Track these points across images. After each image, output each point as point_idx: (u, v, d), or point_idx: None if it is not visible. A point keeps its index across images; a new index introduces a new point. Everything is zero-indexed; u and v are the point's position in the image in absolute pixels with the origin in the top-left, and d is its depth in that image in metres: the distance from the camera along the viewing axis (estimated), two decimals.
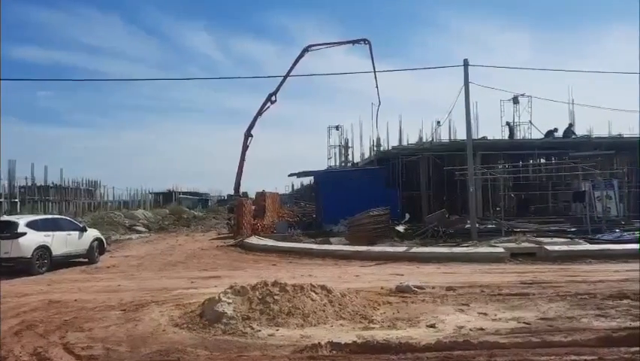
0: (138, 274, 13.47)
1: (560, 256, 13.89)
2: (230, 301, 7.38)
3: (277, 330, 6.78)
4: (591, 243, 15.65)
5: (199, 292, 10.01)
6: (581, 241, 15.86)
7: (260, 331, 6.74)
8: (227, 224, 27.20)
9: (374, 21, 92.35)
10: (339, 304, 7.74)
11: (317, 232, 21.80)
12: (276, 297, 7.48)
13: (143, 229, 28.91)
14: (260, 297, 7.50)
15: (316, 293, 7.81)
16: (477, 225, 17.96)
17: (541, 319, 7.42)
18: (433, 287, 10.04)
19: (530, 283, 10.42)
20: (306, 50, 26.86)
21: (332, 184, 24.39)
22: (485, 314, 7.82)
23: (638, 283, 10.04)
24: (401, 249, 15.54)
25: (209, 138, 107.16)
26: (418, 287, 9.85)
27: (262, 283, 7.86)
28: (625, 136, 24.43)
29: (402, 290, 9.61)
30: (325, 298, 7.79)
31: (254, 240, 20.02)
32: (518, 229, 17.56)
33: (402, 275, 11.90)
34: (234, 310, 7.16)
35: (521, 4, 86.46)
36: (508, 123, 25.45)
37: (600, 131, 25.90)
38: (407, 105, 76.06)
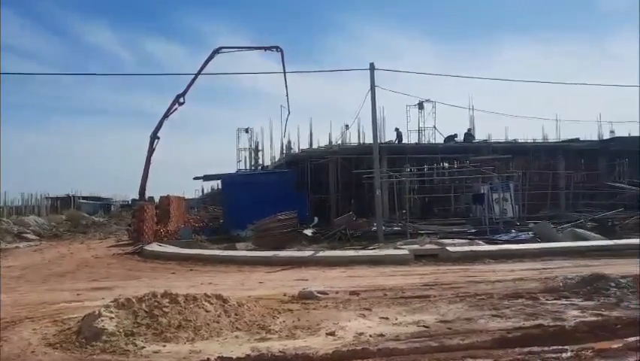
0: (17, 286, 12.15)
1: (461, 257, 14.23)
2: (113, 315, 6.66)
3: (164, 346, 6.18)
4: (490, 243, 16.25)
5: (84, 305, 9.09)
6: (480, 241, 16.42)
7: (144, 348, 6.11)
8: (127, 230, 25.73)
9: (289, 28, 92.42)
10: (236, 315, 7.25)
11: (223, 237, 21.09)
12: (165, 309, 6.86)
13: (34, 237, 26.65)
14: (147, 310, 6.84)
15: (211, 303, 7.27)
16: (383, 227, 18.13)
17: (441, 321, 7.37)
18: (337, 292, 9.81)
19: (432, 285, 10.47)
20: (216, 51, 26.11)
21: (240, 188, 23.78)
22: (387, 319, 7.66)
23: (532, 282, 10.43)
24: (308, 253, 15.28)
25: (113, 140, 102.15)
26: (321, 292, 9.57)
27: (150, 295, 7.18)
28: (520, 141, 25.92)
29: (305, 296, 9.28)
30: (220, 308, 7.26)
31: (154, 247, 18.94)
32: (422, 231, 17.92)
33: (307, 280, 11.62)
34: (116, 326, 6.46)
35: (427, 15, 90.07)
36: (397, 129, 25.90)
37: (498, 136, 27.27)
38: (319, 109, 76.85)
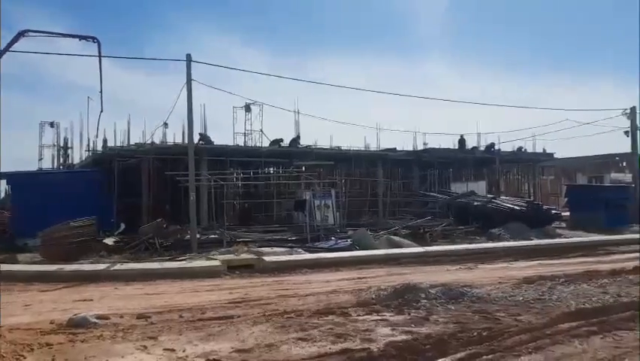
0: None
1: (278, 268, 13.31)
2: None
3: None
4: (309, 252, 15.66)
5: None
6: (300, 250, 15.75)
7: None
8: None
9: (115, 25, 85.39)
10: None
11: (6, 246, 17.65)
12: None
13: None
14: None
15: None
16: (199, 235, 16.59)
17: (238, 351, 6.17)
18: (122, 316, 8.08)
19: (239, 302, 9.25)
20: (21, 34, 21.97)
21: (32, 189, 20.29)
22: (172, 351, 6.23)
23: (345, 294, 9.77)
24: (103, 266, 13.12)
25: None
26: (101, 317, 7.77)
27: None
28: (343, 149, 26.23)
29: (76, 324, 7.39)
30: None
31: None
32: (241, 239, 16.74)
33: (91, 301, 9.64)
34: None
35: (265, 28, 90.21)
36: (200, 134, 24.28)
37: (324, 143, 27.36)
38: (140, 107, 71.62)
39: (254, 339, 6.68)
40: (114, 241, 16.58)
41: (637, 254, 15.79)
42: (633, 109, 26.04)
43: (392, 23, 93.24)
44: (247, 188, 26.21)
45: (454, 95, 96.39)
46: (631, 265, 12.68)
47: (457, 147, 30.34)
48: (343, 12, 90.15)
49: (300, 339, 6.62)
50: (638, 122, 26.00)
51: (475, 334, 6.63)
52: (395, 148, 28.21)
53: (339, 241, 17.30)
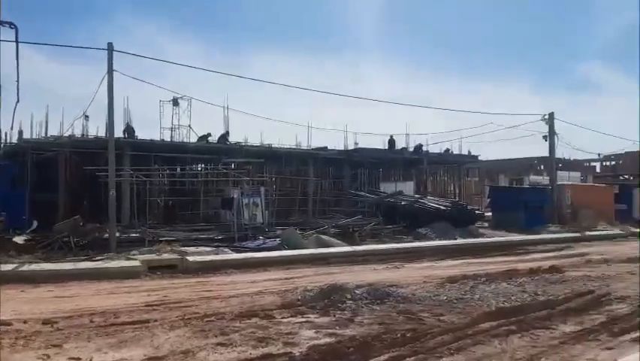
0: None
1: (202, 268, 12.85)
2: None
3: None
4: (236, 251, 15.26)
5: None
6: (226, 249, 15.31)
7: None
8: None
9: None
10: None
11: None
12: None
13: None
14: None
15: None
16: (119, 234, 15.77)
17: (150, 358, 5.79)
18: (26, 321, 7.44)
19: (158, 305, 8.77)
20: None
21: None
22: (78, 359, 5.75)
23: (271, 296, 9.52)
24: (10, 266, 12.08)
25: None
26: (2, 323, 7.13)
27: None
28: (274, 146, 25.89)
29: None
30: None
31: None
32: (164, 238, 16.04)
33: None
34: None
35: (201, 21, 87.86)
36: (127, 125, 23.21)
37: (254, 140, 26.88)
38: (60, 98, 67.78)
39: (169, 345, 6.30)
40: (25, 240, 15.43)
41: (553, 253, 16.59)
42: (551, 115, 27.39)
43: (328, 23, 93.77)
44: (173, 185, 25.29)
45: (386, 97, 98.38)
46: (547, 264, 13.22)
47: (387, 148, 30.74)
48: (278, 10, 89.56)
49: (219, 344, 6.32)
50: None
51: (399, 335, 6.57)
52: (326, 147, 28.20)
53: (268, 240, 16.98)
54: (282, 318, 7.63)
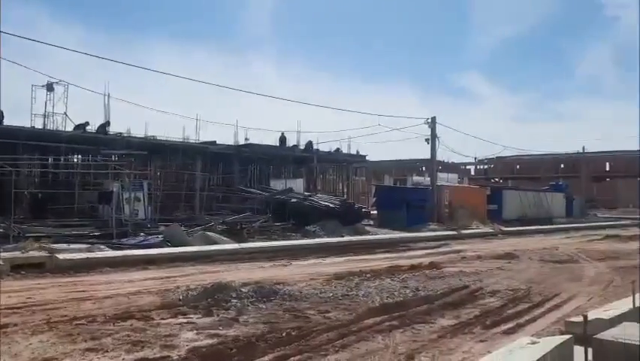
0: None
1: (74, 266, 11.81)
2: None
3: None
4: (114, 248, 14.27)
5: None
6: (103, 246, 14.28)
7: None
8: None
9: None
10: None
11: None
12: None
13: None
14: None
15: None
16: None
17: None
18: None
19: (19, 308, 7.86)
20: None
21: None
22: None
23: (150, 296, 8.94)
24: None
25: None
26: None
27: None
28: (159, 139, 24.72)
29: None
30: None
31: None
32: (32, 234, 14.60)
33: None
34: None
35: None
36: None
37: (138, 132, 25.45)
38: None
39: (30, 352, 5.66)
40: None
41: (432, 250, 17.43)
42: (434, 119, 28.89)
43: (222, 19, 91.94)
44: (45, 177, 23.20)
45: (279, 94, 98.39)
46: (427, 260, 13.81)
47: (278, 145, 30.65)
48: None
49: (88, 350, 5.77)
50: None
51: (284, 334, 6.42)
52: (215, 141, 27.46)
53: (150, 237, 16.10)
54: (161, 319, 7.18)
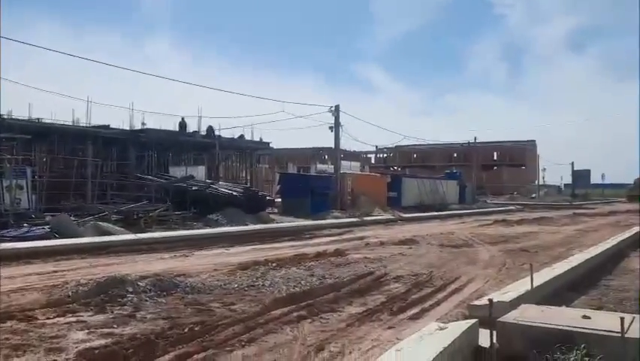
0: None
1: None
2: None
3: None
4: None
5: None
6: None
7: None
8: None
9: None
10: None
11: None
12: None
13: None
14: None
15: None
16: None
17: None
18: None
19: None
20: None
21: None
22: None
23: (34, 293, 8.08)
24: None
25: None
26: None
27: None
28: (46, 122, 22.77)
29: None
30: None
31: None
32: None
33: None
34: None
35: None
36: None
37: (20, 113, 23.22)
38: None
39: None
40: None
41: (337, 238, 17.54)
42: (337, 107, 29.12)
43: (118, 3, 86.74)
44: None
45: (179, 77, 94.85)
46: (332, 247, 13.84)
47: (177, 130, 29.46)
48: None
49: None
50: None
51: (186, 330, 6.01)
52: (109, 125, 25.81)
53: (35, 228, 14.75)
54: (47, 319, 6.49)
